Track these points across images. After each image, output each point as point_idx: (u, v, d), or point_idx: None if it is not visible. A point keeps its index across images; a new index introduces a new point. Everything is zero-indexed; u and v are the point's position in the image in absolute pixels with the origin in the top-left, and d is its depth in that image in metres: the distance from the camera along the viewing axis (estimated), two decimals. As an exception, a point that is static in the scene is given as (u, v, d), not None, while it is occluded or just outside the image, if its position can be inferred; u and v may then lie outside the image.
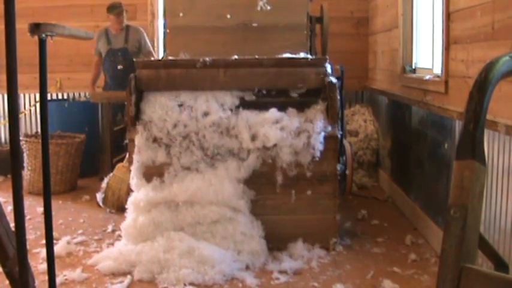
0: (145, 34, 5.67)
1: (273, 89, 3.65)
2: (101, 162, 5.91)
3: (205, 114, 3.55)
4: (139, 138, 3.53)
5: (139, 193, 3.46)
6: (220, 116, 3.53)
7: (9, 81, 1.51)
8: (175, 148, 3.50)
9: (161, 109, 3.57)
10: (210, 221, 3.37)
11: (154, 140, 3.53)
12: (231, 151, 3.51)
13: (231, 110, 3.60)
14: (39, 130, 5.09)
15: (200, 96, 3.63)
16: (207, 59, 3.66)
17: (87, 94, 6.09)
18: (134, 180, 3.53)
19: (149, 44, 5.69)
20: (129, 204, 3.50)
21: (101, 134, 6.01)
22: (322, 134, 3.50)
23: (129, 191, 3.62)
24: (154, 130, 3.53)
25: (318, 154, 3.49)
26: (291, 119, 3.56)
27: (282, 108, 3.62)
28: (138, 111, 3.61)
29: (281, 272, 3.20)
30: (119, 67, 5.51)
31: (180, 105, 3.59)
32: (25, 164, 5.05)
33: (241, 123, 3.53)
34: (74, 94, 6.19)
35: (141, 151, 3.52)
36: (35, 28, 1.85)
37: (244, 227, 3.39)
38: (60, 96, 6.21)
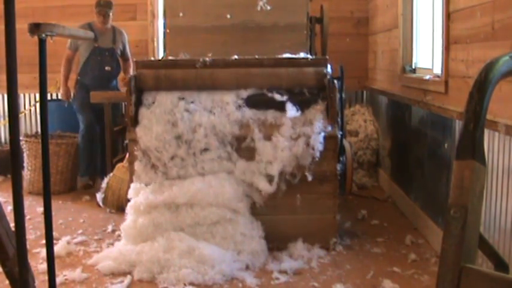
0: (127, 38, 5.49)
1: (273, 89, 3.65)
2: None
3: (205, 114, 3.54)
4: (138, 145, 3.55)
5: (139, 197, 3.45)
6: (219, 116, 3.53)
7: (9, 81, 1.51)
8: (176, 150, 3.51)
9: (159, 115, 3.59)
10: (210, 222, 3.37)
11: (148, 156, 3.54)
12: (230, 151, 3.51)
13: (231, 110, 3.59)
14: (39, 130, 5.08)
15: (200, 97, 3.63)
16: (207, 59, 3.66)
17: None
18: (133, 185, 3.54)
19: (129, 50, 5.49)
20: (129, 207, 3.50)
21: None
22: (322, 134, 3.50)
23: (129, 189, 3.62)
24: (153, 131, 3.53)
25: (317, 154, 3.49)
26: (291, 120, 3.56)
27: (281, 108, 3.62)
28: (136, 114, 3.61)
29: (281, 272, 3.20)
30: (107, 68, 5.24)
31: (182, 99, 3.59)
32: (25, 164, 5.05)
33: (240, 124, 3.53)
34: (74, 94, 6.18)
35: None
36: (35, 28, 1.85)
37: (244, 228, 3.39)
38: (60, 96, 6.20)
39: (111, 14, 5.20)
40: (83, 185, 5.21)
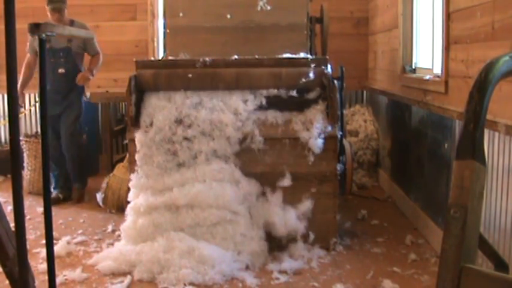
0: (92, 32, 4.57)
1: (273, 89, 3.65)
2: (101, 162, 5.93)
3: (205, 114, 3.54)
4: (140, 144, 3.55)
5: (140, 198, 3.45)
6: (220, 97, 3.54)
7: (9, 81, 1.51)
8: (177, 150, 3.51)
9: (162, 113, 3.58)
10: (210, 224, 3.37)
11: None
12: (228, 128, 3.51)
13: (230, 110, 3.59)
14: (39, 130, 5.08)
15: (200, 97, 3.63)
16: (207, 59, 3.66)
17: (87, 94, 6.08)
18: (133, 188, 3.53)
19: (97, 46, 4.85)
20: (129, 209, 3.50)
21: (101, 134, 6.02)
22: (322, 134, 3.50)
23: (129, 188, 3.62)
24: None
25: (317, 154, 3.49)
26: (291, 120, 3.57)
27: (281, 108, 3.62)
28: (138, 114, 3.61)
29: (281, 272, 3.19)
30: (60, 70, 4.66)
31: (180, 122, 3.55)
32: (25, 164, 5.05)
33: (242, 100, 3.54)
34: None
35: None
36: (35, 28, 1.86)
37: (244, 229, 3.38)
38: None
39: (63, 11, 4.62)
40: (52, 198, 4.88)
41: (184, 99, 3.58)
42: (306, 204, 3.50)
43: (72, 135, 4.77)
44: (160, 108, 3.56)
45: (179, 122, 3.51)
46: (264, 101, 3.62)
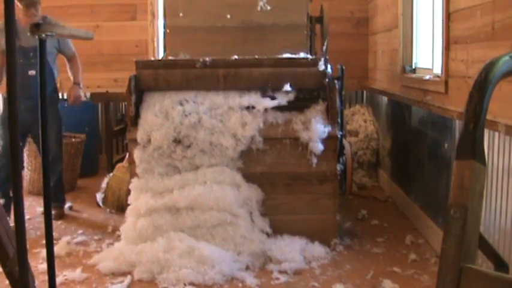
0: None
1: (273, 89, 3.65)
2: (100, 162, 5.93)
3: (205, 114, 3.54)
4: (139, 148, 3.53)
5: (140, 201, 3.45)
6: (218, 117, 3.53)
7: (9, 81, 1.51)
8: (178, 165, 3.51)
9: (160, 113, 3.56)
10: (210, 225, 3.37)
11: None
12: (229, 151, 3.51)
13: (230, 110, 3.59)
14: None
15: (200, 97, 3.63)
16: (207, 59, 3.65)
17: (87, 94, 6.08)
18: (133, 190, 3.53)
19: (72, 45, 4.42)
20: (129, 211, 3.50)
21: (101, 134, 6.02)
22: (322, 134, 3.50)
23: (129, 191, 3.62)
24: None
25: (318, 154, 3.49)
26: (291, 120, 3.57)
27: (281, 108, 3.62)
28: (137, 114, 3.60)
29: (281, 272, 3.19)
30: (31, 72, 4.10)
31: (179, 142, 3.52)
32: (25, 164, 5.05)
33: (240, 124, 3.53)
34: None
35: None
36: (35, 28, 1.85)
37: (244, 230, 3.38)
38: (60, 96, 6.20)
39: (36, 7, 4.18)
40: None
41: (182, 117, 3.52)
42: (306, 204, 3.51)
43: (53, 162, 4.07)
44: (158, 127, 3.49)
45: (178, 141, 3.49)
46: (263, 101, 3.62)
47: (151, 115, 3.53)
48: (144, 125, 3.53)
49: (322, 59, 3.67)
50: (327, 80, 3.59)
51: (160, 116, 3.52)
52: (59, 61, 5.85)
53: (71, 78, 4.57)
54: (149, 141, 3.49)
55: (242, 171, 3.52)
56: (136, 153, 3.51)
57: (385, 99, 5.25)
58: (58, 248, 3.46)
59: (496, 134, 2.57)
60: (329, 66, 3.70)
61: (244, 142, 3.50)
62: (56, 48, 4.34)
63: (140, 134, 3.52)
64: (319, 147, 3.48)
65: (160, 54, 5.89)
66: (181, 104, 3.56)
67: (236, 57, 3.69)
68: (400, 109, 4.60)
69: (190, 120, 3.50)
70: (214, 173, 3.44)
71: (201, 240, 3.33)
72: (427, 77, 3.77)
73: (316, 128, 3.49)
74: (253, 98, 3.59)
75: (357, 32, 6.11)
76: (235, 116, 3.52)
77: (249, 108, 3.56)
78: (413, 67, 4.49)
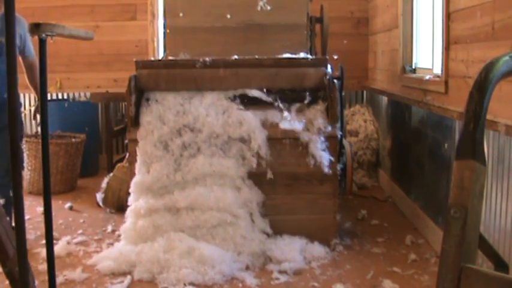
0: (27, 28, 2.95)
1: (273, 89, 3.65)
2: (100, 162, 5.93)
3: (205, 114, 3.54)
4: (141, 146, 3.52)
5: (140, 201, 3.45)
6: (218, 117, 3.53)
7: (9, 81, 1.51)
8: (176, 151, 3.50)
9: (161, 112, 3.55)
10: (210, 226, 3.37)
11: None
12: (229, 151, 3.51)
13: (231, 110, 3.59)
14: (39, 130, 5.09)
15: (200, 97, 3.63)
16: (207, 59, 3.65)
17: (87, 94, 6.09)
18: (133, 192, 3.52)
19: (32, 46, 3.70)
20: (129, 211, 3.50)
21: (101, 134, 6.02)
22: (322, 134, 3.50)
23: (129, 191, 3.62)
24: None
25: (317, 154, 3.49)
26: (292, 120, 3.57)
27: (281, 108, 3.62)
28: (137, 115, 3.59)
29: (281, 272, 3.19)
30: None
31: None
32: (25, 164, 5.05)
33: (240, 124, 3.53)
34: (74, 94, 6.20)
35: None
36: (35, 28, 1.86)
37: (244, 231, 3.38)
38: (60, 96, 6.22)
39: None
40: None
41: (182, 149, 3.49)
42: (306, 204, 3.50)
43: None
44: (157, 159, 3.47)
45: (178, 169, 3.47)
46: (263, 101, 3.62)
47: (150, 145, 3.49)
48: (143, 155, 3.49)
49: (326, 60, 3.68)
50: (327, 79, 3.59)
51: (160, 148, 3.49)
52: (59, 60, 5.87)
53: (33, 92, 3.82)
54: (148, 172, 3.46)
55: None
56: (135, 181, 3.48)
57: (385, 99, 5.25)
58: (58, 248, 3.46)
59: (496, 134, 2.57)
60: (329, 66, 3.70)
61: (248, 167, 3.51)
62: (17, 47, 3.56)
63: (139, 166, 3.48)
64: (319, 147, 3.48)
65: (160, 54, 5.89)
66: (180, 135, 3.51)
67: (236, 57, 3.69)
68: (400, 109, 4.60)
69: (190, 152, 3.48)
70: (214, 177, 3.45)
71: (201, 240, 3.33)
72: (427, 77, 3.77)
73: (316, 128, 3.49)
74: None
75: (357, 32, 6.11)
76: (236, 148, 3.51)
77: (247, 141, 3.52)
78: (413, 67, 4.49)
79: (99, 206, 4.52)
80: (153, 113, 3.57)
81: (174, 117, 3.53)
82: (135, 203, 3.47)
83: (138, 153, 3.51)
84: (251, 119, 3.51)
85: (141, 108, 3.61)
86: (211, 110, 3.55)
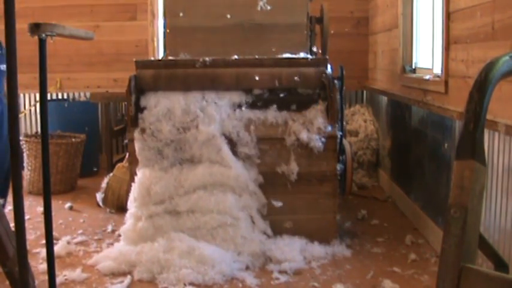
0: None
1: (273, 89, 3.65)
2: (101, 162, 5.93)
3: (205, 114, 3.54)
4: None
5: (141, 208, 3.44)
6: (218, 117, 3.53)
7: (9, 81, 1.51)
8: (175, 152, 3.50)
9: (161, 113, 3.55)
10: (211, 227, 3.37)
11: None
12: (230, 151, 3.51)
13: (231, 110, 3.59)
14: (39, 130, 5.08)
15: (199, 97, 3.62)
16: (207, 59, 3.66)
17: (87, 94, 6.09)
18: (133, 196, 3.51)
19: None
20: (129, 214, 3.49)
21: (101, 134, 6.02)
22: (322, 134, 3.50)
23: (129, 191, 3.62)
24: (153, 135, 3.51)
25: (317, 154, 3.49)
26: (291, 120, 3.57)
27: (282, 108, 3.62)
28: (137, 114, 3.59)
29: (281, 272, 3.19)
30: None
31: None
32: (25, 164, 5.05)
33: (241, 124, 3.53)
34: (74, 94, 6.20)
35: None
36: (35, 28, 1.86)
37: (245, 231, 3.38)
38: (60, 96, 6.22)
39: None
40: None
41: (180, 172, 3.47)
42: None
43: None
44: (157, 180, 3.44)
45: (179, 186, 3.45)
46: (264, 101, 3.62)
47: (150, 170, 3.47)
48: (143, 179, 3.46)
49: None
50: (327, 79, 3.59)
51: (158, 171, 3.47)
52: (59, 60, 5.87)
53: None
54: (149, 194, 3.43)
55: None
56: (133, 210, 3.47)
57: (385, 99, 5.25)
58: (58, 248, 3.46)
59: (496, 134, 2.57)
60: (329, 66, 3.71)
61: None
62: None
63: (140, 190, 3.45)
64: (319, 146, 3.48)
65: (160, 54, 5.89)
66: (180, 164, 3.51)
67: (236, 57, 3.69)
68: (400, 109, 4.60)
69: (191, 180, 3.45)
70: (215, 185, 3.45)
71: (201, 240, 3.33)
72: (427, 77, 3.77)
73: (316, 128, 3.49)
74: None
75: (357, 32, 6.11)
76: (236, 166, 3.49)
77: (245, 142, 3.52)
78: (413, 67, 4.49)
79: (99, 206, 4.52)
80: (153, 113, 3.57)
81: (174, 117, 3.53)
82: (135, 209, 3.46)
83: (138, 157, 3.50)
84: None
85: (140, 110, 3.62)
86: (211, 110, 3.55)
